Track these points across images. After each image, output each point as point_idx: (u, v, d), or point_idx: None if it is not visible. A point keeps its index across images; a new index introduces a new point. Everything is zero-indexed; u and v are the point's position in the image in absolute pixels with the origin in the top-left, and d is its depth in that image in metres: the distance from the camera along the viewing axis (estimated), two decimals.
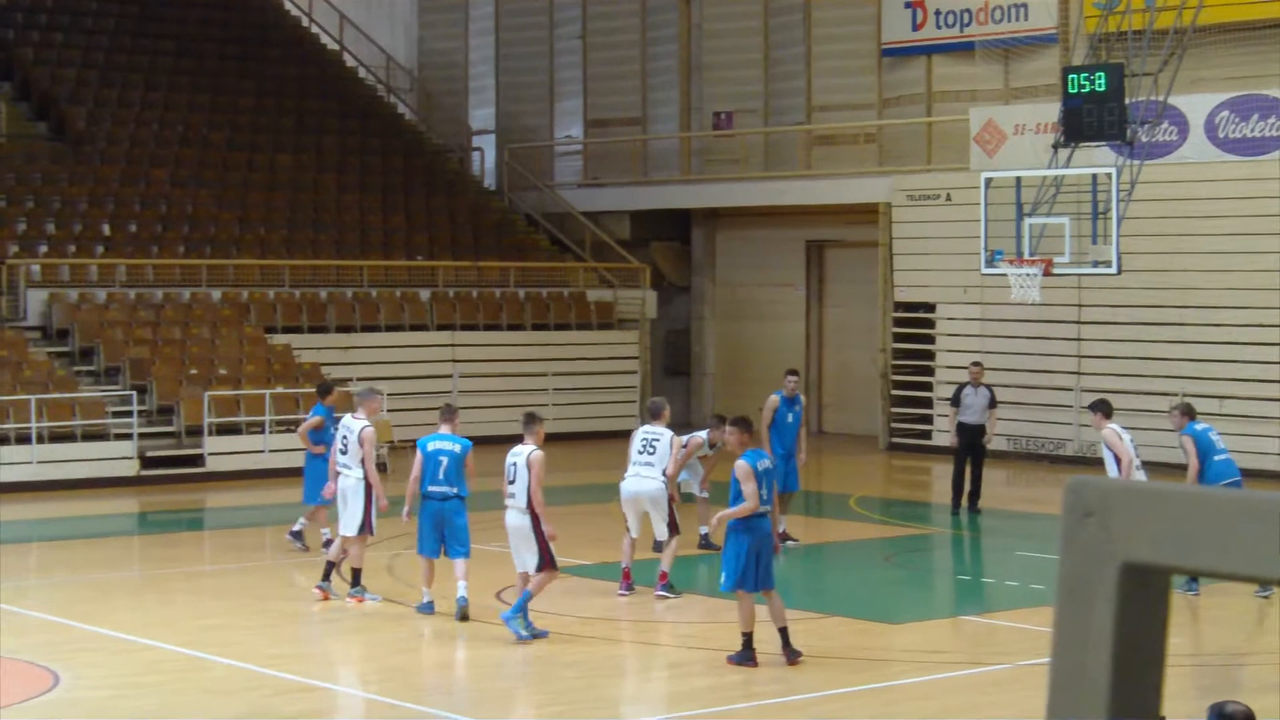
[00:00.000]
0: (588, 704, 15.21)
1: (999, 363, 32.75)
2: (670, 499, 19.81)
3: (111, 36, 42.11)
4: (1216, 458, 19.48)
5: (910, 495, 30.44)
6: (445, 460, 18.29)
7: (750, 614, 16.03)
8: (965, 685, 16.56)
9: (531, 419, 17.89)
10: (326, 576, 19.53)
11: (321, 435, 22.32)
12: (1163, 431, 31.80)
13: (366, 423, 19.47)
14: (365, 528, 19.25)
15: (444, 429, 18.69)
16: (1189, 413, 19.94)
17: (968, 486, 26.28)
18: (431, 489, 18.34)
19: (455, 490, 18.33)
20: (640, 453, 19.94)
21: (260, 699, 15.26)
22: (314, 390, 32.26)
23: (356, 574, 19.35)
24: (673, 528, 19.68)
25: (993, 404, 26.45)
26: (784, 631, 16.10)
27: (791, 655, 16.08)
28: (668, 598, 19.38)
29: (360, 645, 17.85)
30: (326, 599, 19.33)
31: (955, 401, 26.68)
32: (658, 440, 19.85)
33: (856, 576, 21.50)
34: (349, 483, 19.37)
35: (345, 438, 19.51)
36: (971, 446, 26.33)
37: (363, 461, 19.26)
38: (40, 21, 41.67)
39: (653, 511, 19.82)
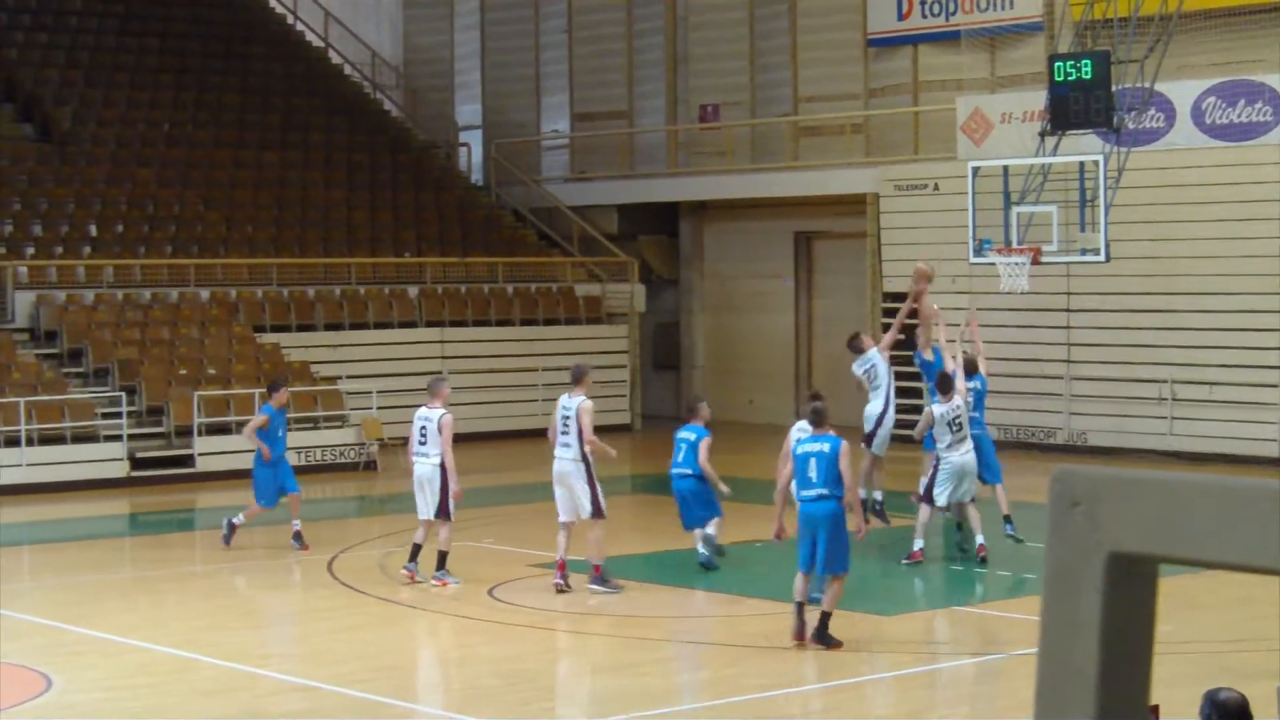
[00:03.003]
0: (579, 700, 15.20)
1: (988, 352, 32.65)
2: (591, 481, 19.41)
3: (96, 36, 42.04)
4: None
5: (901, 486, 30.34)
6: (684, 446, 20.77)
7: (796, 587, 16.54)
8: (959, 676, 16.56)
9: (819, 414, 18.42)
10: (414, 558, 20.16)
11: (267, 435, 22.50)
12: (1152, 419, 31.87)
13: (444, 410, 20.15)
14: (443, 512, 19.84)
15: (695, 421, 21.09)
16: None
17: None
18: (673, 471, 20.82)
19: (691, 470, 20.58)
20: (562, 432, 19.66)
21: (252, 699, 15.23)
22: (314, 390, 32.41)
23: (443, 557, 19.93)
24: (597, 512, 19.36)
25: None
26: (824, 616, 16.34)
27: (817, 638, 16.27)
28: (603, 592, 19.33)
29: (351, 644, 17.82)
30: (413, 579, 20.02)
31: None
32: (568, 415, 19.66)
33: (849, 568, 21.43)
34: (425, 470, 20.00)
35: (424, 427, 20.11)
36: None
37: (442, 448, 19.94)
38: (24, 22, 41.58)
39: (575, 487, 19.47)
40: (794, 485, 16.70)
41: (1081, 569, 2.19)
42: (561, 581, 19.39)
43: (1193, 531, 2.16)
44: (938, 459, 21.35)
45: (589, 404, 19.84)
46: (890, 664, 16.56)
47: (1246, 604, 17.94)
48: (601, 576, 19.38)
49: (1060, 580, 2.21)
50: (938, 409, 21.32)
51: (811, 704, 15.17)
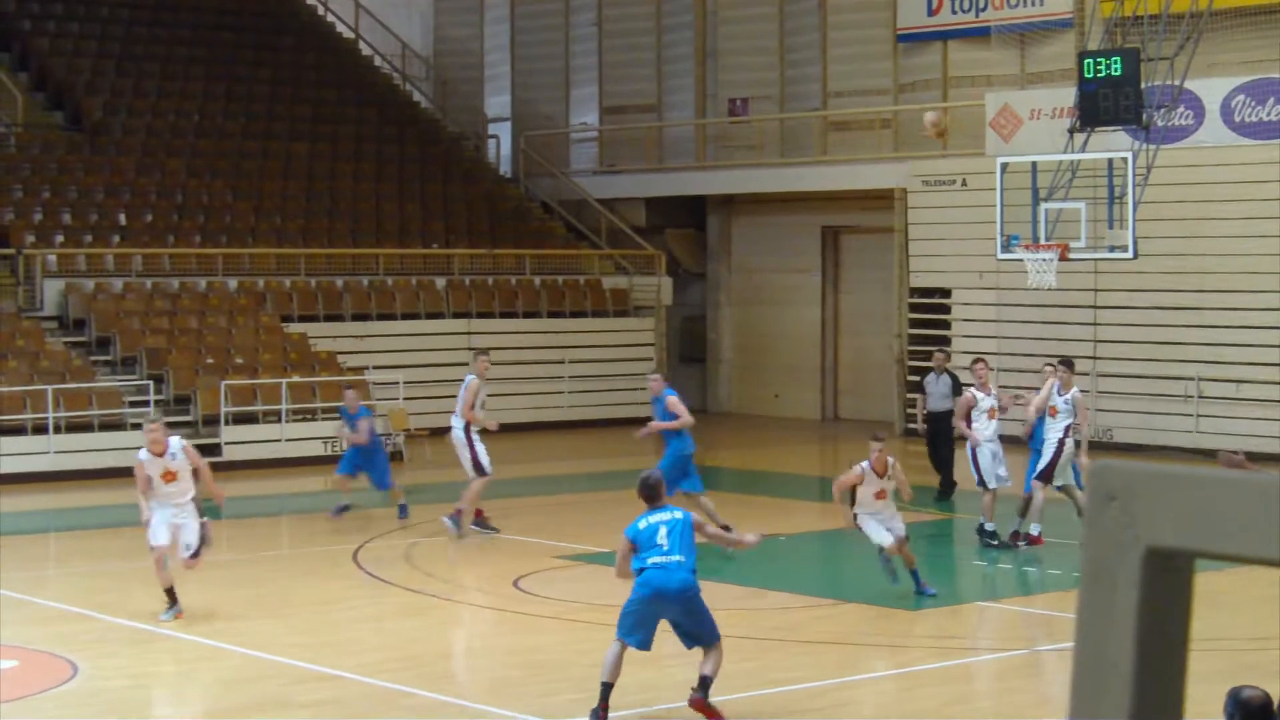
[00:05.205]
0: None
1: (1015, 348, 32.71)
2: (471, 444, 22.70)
3: (127, 26, 42.14)
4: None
5: (926, 481, 30.38)
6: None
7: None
8: (983, 670, 16.56)
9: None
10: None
11: None
12: (1179, 416, 31.82)
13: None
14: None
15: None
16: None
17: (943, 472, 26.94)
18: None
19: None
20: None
21: (277, 688, 15.27)
22: (337, 381, 32.46)
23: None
24: (477, 469, 22.58)
25: (956, 390, 26.26)
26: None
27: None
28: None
29: (376, 634, 17.87)
30: None
31: (922, 389, 27.23)
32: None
33: (874, 563, 21.45)
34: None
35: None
36: (936, 433, 26.81)
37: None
38: (56, 10, 41.69)
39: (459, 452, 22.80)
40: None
41: (1118, 564, 2.20)
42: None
43: (1229, 527, 2.17)
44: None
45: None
46: (913, 659, 16.56)
47: (1271, 601, 17.90)
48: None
49: (1097, 575, 2.22)
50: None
51: (833, 698, 15.17)
